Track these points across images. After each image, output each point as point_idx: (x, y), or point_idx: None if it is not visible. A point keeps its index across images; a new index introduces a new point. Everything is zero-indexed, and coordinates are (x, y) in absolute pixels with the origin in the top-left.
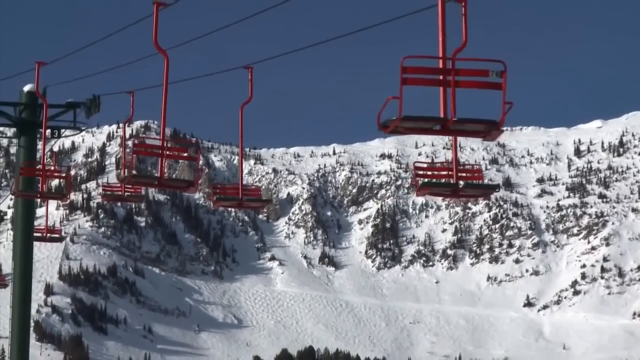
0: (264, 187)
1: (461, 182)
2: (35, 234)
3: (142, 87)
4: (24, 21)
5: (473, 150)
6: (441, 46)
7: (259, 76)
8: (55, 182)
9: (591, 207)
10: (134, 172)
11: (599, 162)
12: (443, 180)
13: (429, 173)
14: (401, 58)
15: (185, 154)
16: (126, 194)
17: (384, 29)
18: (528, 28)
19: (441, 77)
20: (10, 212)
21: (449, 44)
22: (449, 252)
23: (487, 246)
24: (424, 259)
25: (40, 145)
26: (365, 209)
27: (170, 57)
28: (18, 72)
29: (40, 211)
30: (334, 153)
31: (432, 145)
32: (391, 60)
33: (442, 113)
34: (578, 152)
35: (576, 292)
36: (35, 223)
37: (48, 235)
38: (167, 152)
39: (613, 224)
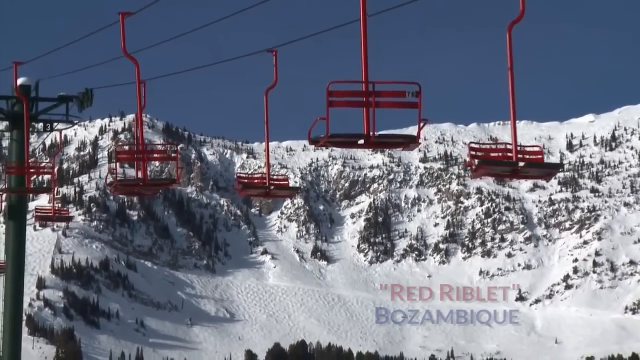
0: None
1: (521, 162)
2: (43, 214)
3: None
4: (19, 15)
5: (465, 144)
6: (364, 71)
7: (252, 68)
8: (47, 176)
9: (583, 201)
10: (119, 177)
11: (591, 157)
12: (502, 160)
13: (487, 154)
14: (327, 83)
15: (165, 155)
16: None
17: (377, 20)
18: (521, 24)
19: (364, 99)
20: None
21: (373, 67)
22: (441, 246)
23: (479, 240)
24: (416, 253)
25: (32, 139)
26: (357, 203)
27: (169, 48)
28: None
29: (31, 205)
30: (326, 147)
31: (425, 139)
32: (386, 52)
33: (365, 130)
34: (570, 147)
35: (568, 287)
36: (44, 204)
37: (56, 215)
38: (147, 155)
39: (605, 218)
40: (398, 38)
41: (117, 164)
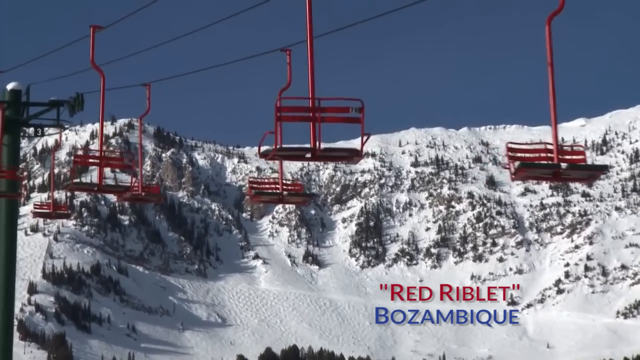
0: (248, 185)
1: (564, 164)
2: (41, 211)
3: (129, 84)
4: (17, 15)
5: (457, 148)
6: (310, 87)
7: (243, 72)
8: (38, 180)
9: (575, 205)
10: (76, 180)
11: None
12: (544, 162)
13: (526, 155)
14: (276, 98)
15: (121, 163)
16: (142, 193)
17: (370, 25)
18: (512, 26)
19: (310, 114)
20: None
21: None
22: (433, 250)
23: (470, 245)
24: (408, 257)
25: (23, 143)
26: (349, 208)
27: (160, 53)
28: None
29: (23, 209)
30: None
31: (416, 143)
32: (374, 55)
33: (312, 143)
34: None
35: (560, 291)
36: (40, 201)
37: (55, 212)
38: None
39: (596, 222)
40: (387, 40)
41: (76, 167)
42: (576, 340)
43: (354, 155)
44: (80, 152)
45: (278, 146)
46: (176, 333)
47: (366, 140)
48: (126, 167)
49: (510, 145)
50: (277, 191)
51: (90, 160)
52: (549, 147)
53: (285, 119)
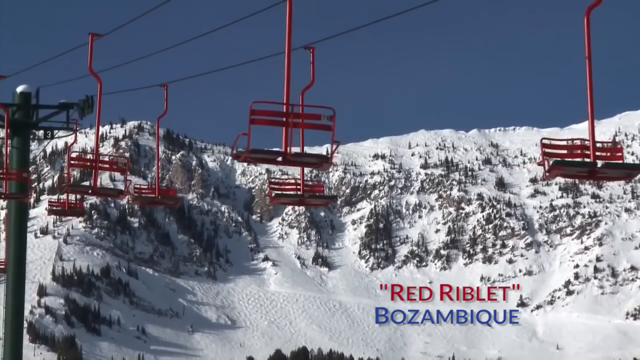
0: (257, 187)
1: (599, 162)
2: (55, 208)
3: (136, 87)
4: (21, 21)
5: (466, 150)
6: (285, 93)
7: (248, 76)
8: (48, 183)
9: (584, 207)
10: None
11: None
12: (579, 159)
13: (562, 152)
14: (250, 102)
15: (116, 166)
16: (160, 196)
17: (380, 25)
18: (521, 28)
19: (284, 119)
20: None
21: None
22: (443, 252)
23: (480, 246)
24: (418, 259)
25: (33, 145)
26: (358, 210)
27: (168, 55)
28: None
29: (33, 212)
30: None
31: (425, 145)
32: (374, 60)
33: (284, 147)
34: None
35: (569, 292)
36: (54, 199)
37: (69, 209)
38: (100, 164)
39: (606, 224)
40: (396, 42)
41: (70, 169)
42: (586, 342)
43: (324, 162)
44: (74, 155)
45: (250, 149)
46: (186, 335)
47: (336, 148)
48: (120, 171)
49: (545, 141)
50: (298, 193)
51: (85, 163)
52: (586, 144)
53: (258, 123)
